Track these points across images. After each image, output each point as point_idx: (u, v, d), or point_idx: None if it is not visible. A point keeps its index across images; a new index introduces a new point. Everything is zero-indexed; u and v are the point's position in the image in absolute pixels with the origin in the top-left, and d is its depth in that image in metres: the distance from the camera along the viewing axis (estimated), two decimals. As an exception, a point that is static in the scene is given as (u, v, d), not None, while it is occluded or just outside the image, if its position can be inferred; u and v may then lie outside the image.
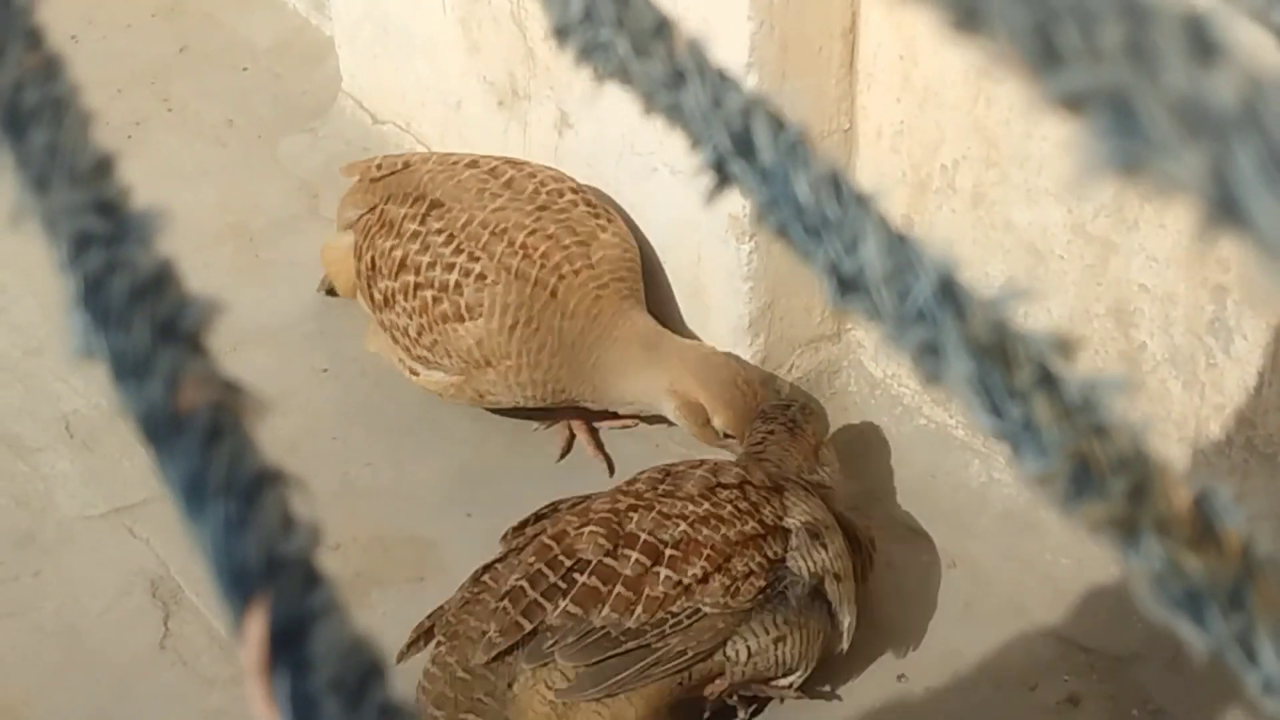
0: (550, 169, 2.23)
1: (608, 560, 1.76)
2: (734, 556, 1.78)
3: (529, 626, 1.76)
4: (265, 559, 0.41)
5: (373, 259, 2.23)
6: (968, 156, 1.98)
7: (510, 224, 2.12)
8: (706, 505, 1.80)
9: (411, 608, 2.02)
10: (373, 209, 2.27)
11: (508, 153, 2.42)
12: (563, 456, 2.20)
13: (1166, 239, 1.82)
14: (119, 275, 0.47)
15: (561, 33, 0.57)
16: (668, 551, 1.77)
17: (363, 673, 0.38)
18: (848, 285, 0.48)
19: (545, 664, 1.76)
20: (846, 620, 1.84)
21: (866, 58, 2.04)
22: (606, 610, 1.75)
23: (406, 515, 2.17)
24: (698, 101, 0.54)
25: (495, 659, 1.77)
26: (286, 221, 2.63)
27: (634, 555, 1.77)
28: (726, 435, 2.03)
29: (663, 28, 0.55)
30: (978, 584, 2.05)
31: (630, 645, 1.76)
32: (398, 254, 2.18)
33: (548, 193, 2.17)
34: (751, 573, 1.78)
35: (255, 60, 2.96)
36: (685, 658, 1.78)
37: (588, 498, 1.89)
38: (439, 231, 2.16)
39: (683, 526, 1.78)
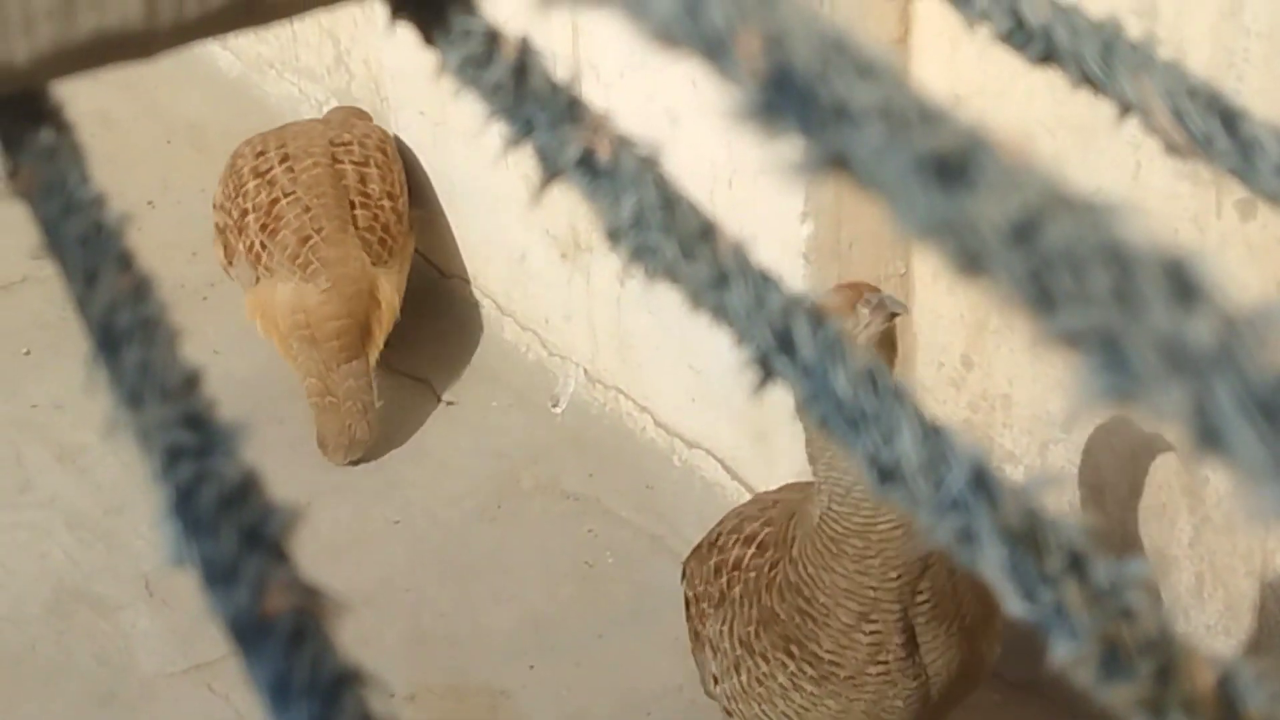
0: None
1: None
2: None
3: None
4: (347, 756, 0.44)
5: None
6: (1023, 296, 2.01)
7: None
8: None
9: (487, 758, 2.04)
10: None
11: (571, 303, 2.47)
12: None
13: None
14: (207, 486, 0.50)
15: (613, 236, 0.60)
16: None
17: None
18: (886, 474, 0.51)
19: None
20: None
21: (919, 202, 2.07)
22: None
23: (480, 664, 2.19)
24: (741, 301, 0.57)
25: None
26: (357, 375, 2.68)
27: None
28: None
29: (708, 232, 0.58)
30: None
31: None
32: None
33: None
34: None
35: (324, 218, 3.03)
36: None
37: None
38: None
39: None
